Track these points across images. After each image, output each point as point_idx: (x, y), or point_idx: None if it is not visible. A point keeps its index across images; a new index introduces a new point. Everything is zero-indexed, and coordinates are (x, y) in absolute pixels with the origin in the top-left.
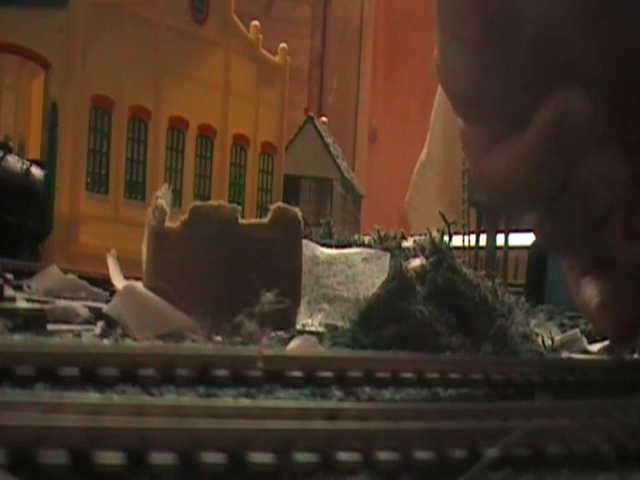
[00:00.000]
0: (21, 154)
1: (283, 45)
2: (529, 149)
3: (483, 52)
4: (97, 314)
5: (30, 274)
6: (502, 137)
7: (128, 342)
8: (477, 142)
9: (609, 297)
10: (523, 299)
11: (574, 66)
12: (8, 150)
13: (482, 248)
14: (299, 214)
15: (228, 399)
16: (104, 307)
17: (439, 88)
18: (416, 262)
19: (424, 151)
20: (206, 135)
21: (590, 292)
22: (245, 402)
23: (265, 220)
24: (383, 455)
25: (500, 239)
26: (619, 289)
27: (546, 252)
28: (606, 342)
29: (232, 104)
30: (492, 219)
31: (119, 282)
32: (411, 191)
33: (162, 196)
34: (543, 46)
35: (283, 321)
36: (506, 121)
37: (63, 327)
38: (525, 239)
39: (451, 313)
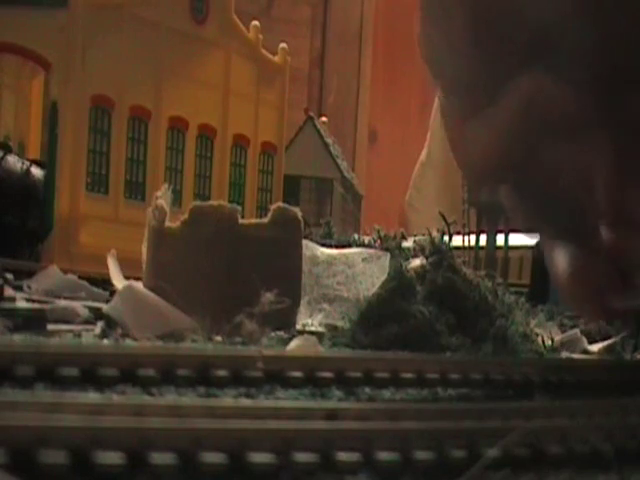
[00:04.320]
0: (21, 154)
1: (283, 45)
2: (501, 120)
3: (464, 22)
4: (97, 314)
5: (30, 274)
6: (478, 108)
7: (128, 342)
8: (454, 112)
9: (579, 267)
10: (523, 299)
11: (555, 47)
12: (8, 150)
13: (482, 248)
14: (299, 214)
15: (228, 399)
16: (104, 307)
17: None
18: (416, 262)
19: (424, 151)
20: (206, 135)
21: (562, 261)
22: (245, 402)
23: (265, 220)
24: (383, 455)
25: (500, 239)
26: (589, 260)
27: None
28: (606, 342)
29: (232, 104)
30: (492, 219)
31: (119, 282)
32: (411, 191)
33: (162, 196)
34: (528, 21)
35: (283, 321)
36: (482, 92)
37: (63, 327)
38: (529, 239)
39: (451, 313)
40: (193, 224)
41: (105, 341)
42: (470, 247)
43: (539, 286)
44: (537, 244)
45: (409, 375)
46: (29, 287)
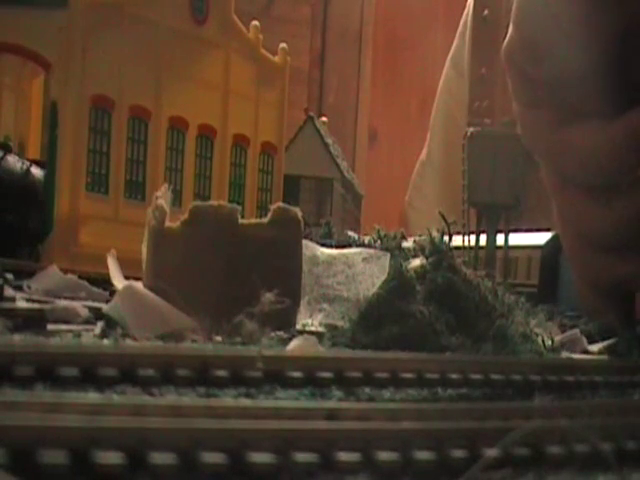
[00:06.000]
0: (21, 154)
1: (283, 45)
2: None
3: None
4: (97, 314)
5: (30, 274)
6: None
7: (128, 342)
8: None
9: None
10: (524, 299)
11: None
12: (8, 150)
13: (482, 248)
14: (299, 214)
15: (228, 399)
16: (104, 307)
17: (439, 88)
18: (416, 262)
19: (424, 151)
20: (206, 135)
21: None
22: (245, 402)
23: (265, 220)
24: (383, 455)
25: (500, 239)
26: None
27: (558, 252)
28: (606, 342)
29: (232, 104)
30: (492, 219)
31: (119, 282)
32: (411, 191)
33: (162, 196)
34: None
35: (283, 321)
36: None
37: (63, 327)
38: (538, 239)
39: (451, 313)
40: (193, 224)
41: (105, 341)
42: (470, 247)
43: (548, 286)
44: (546, 244)
45: (409, 375)
46: (29, 287)
